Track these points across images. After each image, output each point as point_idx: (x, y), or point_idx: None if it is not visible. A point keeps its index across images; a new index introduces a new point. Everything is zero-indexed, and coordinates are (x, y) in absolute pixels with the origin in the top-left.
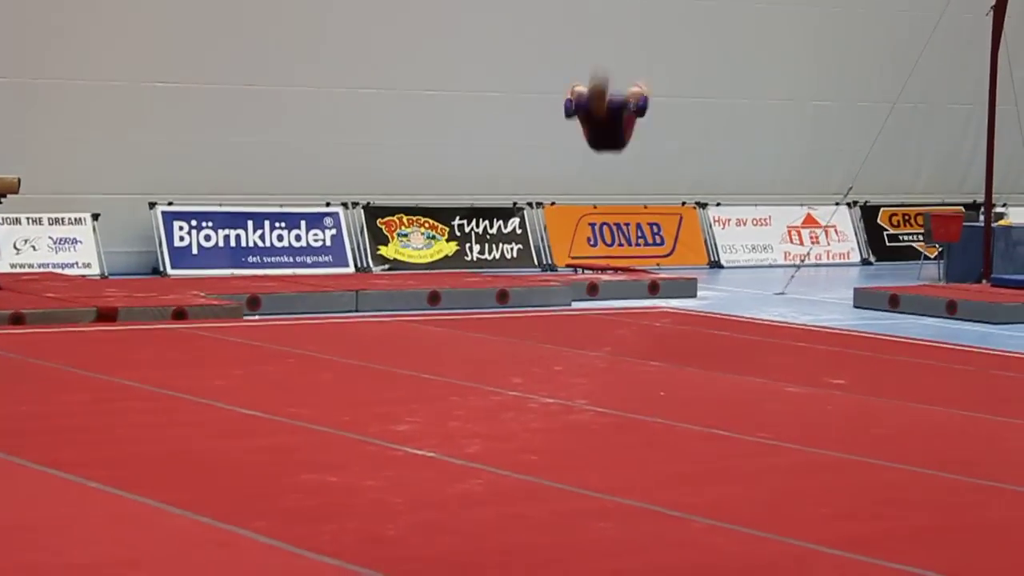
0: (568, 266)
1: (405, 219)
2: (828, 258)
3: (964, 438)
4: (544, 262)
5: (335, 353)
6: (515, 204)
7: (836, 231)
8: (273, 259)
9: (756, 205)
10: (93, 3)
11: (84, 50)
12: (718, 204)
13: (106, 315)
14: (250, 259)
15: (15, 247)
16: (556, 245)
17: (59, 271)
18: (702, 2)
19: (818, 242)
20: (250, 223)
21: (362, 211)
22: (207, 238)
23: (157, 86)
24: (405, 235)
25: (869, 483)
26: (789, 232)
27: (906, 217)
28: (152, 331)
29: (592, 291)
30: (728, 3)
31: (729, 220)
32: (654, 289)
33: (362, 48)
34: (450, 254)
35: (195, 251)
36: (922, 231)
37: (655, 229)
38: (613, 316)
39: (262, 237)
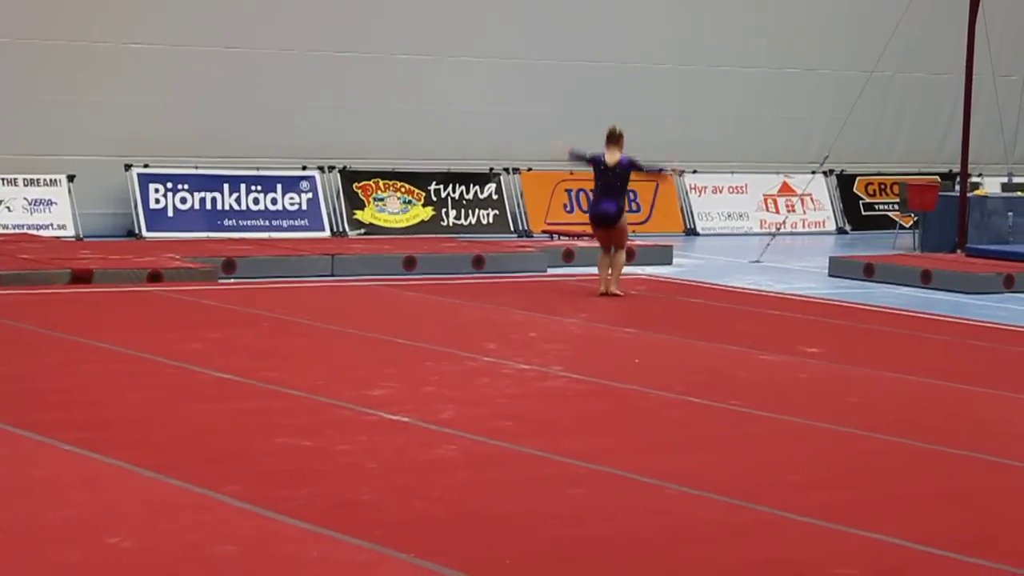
0: (544, 232)
1: (381, 184)
2: (804, 226)
3: (937, 407)
4: (520, 228)
5: (310, 317)
6: (491, 170)
7: (812, 199)
8: (249, 222)
9: (732, 173)
10: None
11: (60, 11)
12: (694, 171)
13: (81, 277)
14: (226, 222)
15: None
16: (532, 211)
17: (34, 232)
18: None
19: (794, 210)
20: (226, 186)
21: (338, 175)
22: (183, 201)
23: (134, 47)
24: (381, 200)
25: (842, 451)
26: (765, 200)
27: (882, 186)
28: (127, 293)
29: (568, 257)
30: None
31: (705, 188)
32: (630, 256)
33: (340, 11)
34: (426, 219)
35: (171, 213)
36: (898, 200)
37: (631, 196)
38: (589, 282)
39: (238, 200)
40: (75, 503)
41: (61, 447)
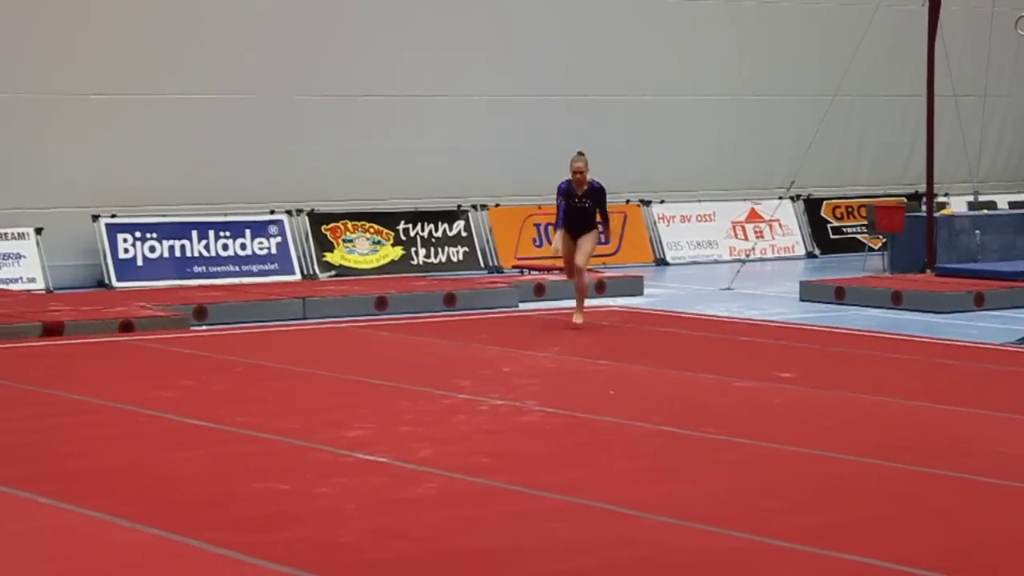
0: (514, 267)
1: (350, 225)
2: (773, 252)
3: (910, 427)
4: (490, 264)
5: (283, 361)
6: (459, 207)
7: (780, 225)
8: (219, 268)
9: (700, 201)
10: (32, 19)
11: (24, 64)
12: (662, 201)
13: (52, 330)
14: (196, 269)
15: None
16: (502, 246)
17: (3, 287)
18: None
19: (762, 236)
20: (195, 233)
21: (307, 218)
22: (152, 249)
23: (97, 98)
24: (350, 241)
25: (818, 475)
26: (734, 227)
27: (849, 209)
28: (99, 344)
29: (539, 292)
30: (666, 0)
31: (673, 217)
32: (601, 288)
33: (301, 55)
34: (396, 258)
35: (140, 263)
36: (865, 223)
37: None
38: (560, 316)
39: (207, 247)
40: (53, 556)
41: (37, 500)
